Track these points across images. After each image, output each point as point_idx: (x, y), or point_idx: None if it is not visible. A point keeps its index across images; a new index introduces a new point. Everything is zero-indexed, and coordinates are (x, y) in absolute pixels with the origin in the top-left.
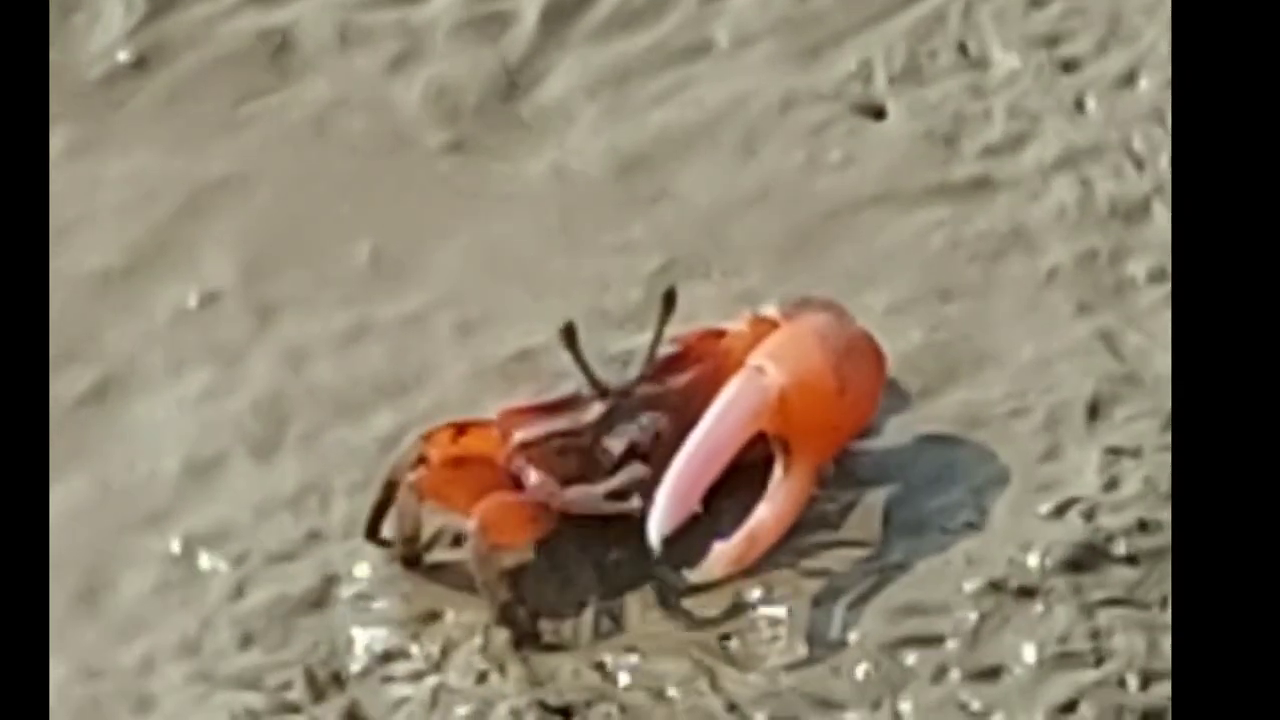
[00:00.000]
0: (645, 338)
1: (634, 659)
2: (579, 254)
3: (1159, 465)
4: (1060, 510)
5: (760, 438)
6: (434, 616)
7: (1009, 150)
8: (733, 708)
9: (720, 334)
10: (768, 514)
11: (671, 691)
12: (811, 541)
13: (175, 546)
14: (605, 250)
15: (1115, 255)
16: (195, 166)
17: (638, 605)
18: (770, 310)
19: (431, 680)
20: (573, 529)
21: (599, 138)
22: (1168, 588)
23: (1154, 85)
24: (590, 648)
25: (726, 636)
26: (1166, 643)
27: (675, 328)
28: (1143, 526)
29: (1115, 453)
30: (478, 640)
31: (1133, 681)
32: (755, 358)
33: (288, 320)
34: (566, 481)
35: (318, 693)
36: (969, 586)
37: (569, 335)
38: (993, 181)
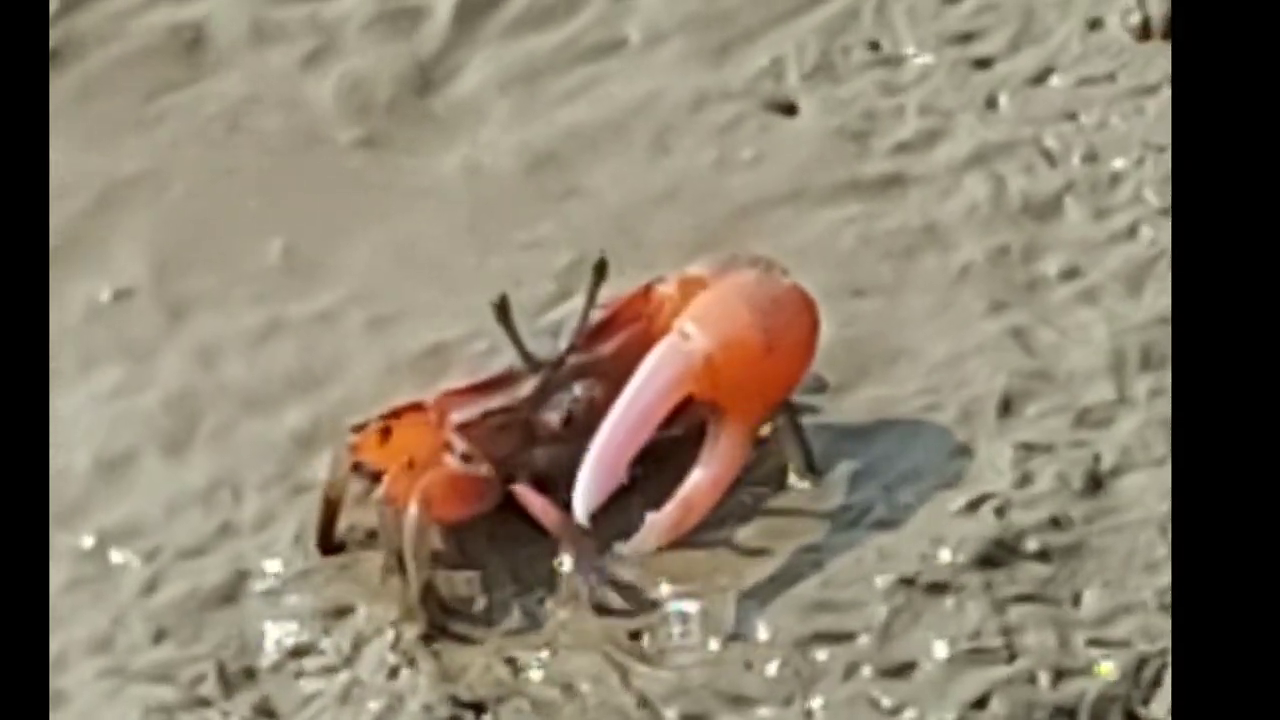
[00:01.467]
0: (573, 306)
1: (545, 654)
2: (490, 250)
3: (1071, 461)
4: (972, 506)
5: (690, 403)
6: (345, 611)
7: (921, 147)
8: (644, 703)
9: (647, 295)
10: (703, 479)
11: (583, 687)
12: (722, 536)
13: (87, 542)
14: (516, 246)
15: (1027, 252)
16: (107, 162)
17: (549, 600)
18: (698, 269)
19: (343, 675)
20: (484, 521)
21: (511, 134)
22: (1079, 584)
23: (1066, 83)
24: (502, 643)
25: (638, 633)
26: (1077, 639)
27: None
28: (1055, 523)
29: (1027, 449)
30: (389, 635)
31: (1044, 678)
32: (680, 322)
33: (199, 316)
34: (506, 458)
35: (229, 687)
36: (881, 582)
37: (502, 309)
38: (905, 178)
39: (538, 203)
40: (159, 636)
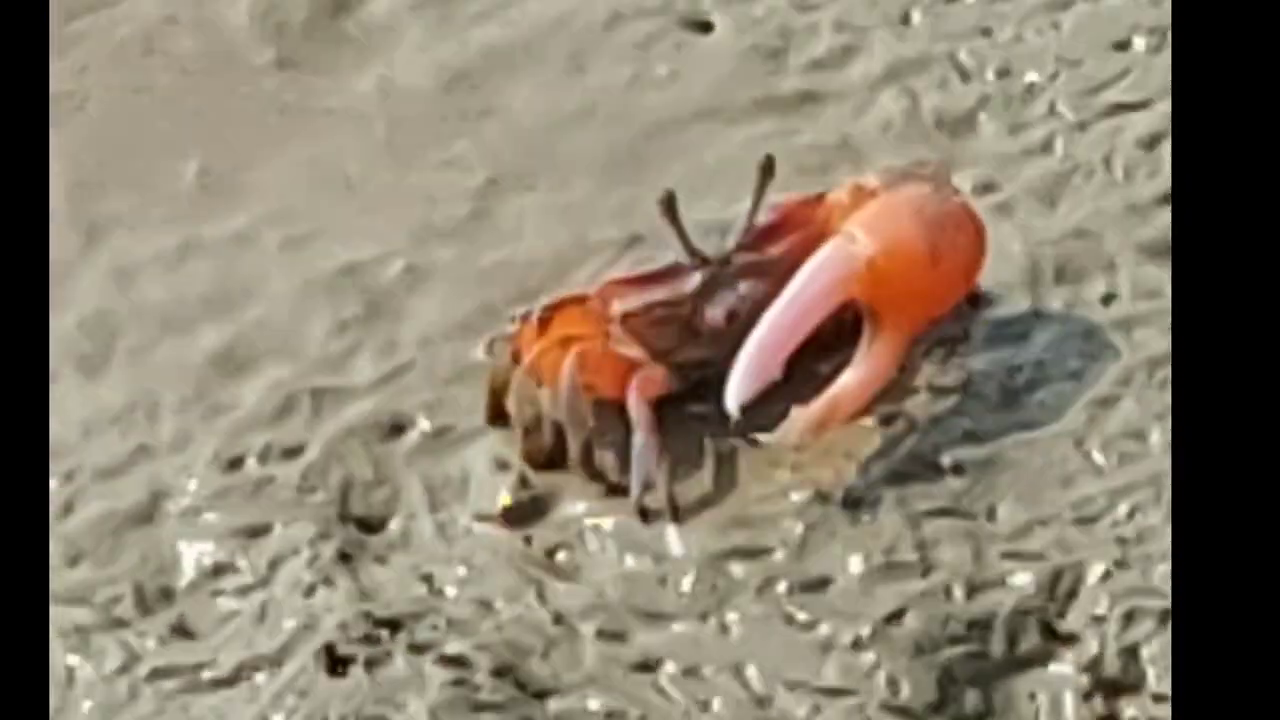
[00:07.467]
0: (741, 207)
1: (461, 571)
2: (405, 169)
3: (986, 375)
4: (886, 421)
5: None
6: (262, 530)
7: (835, 64)
8: (560, 620)
9: (819, 200)
10: (852, 380)
11: (499, 604)
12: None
13: None
14: (431, 166)
15: (940, 167)
16: None
17: (465, 517)
18: (871, 180)
19: (259, 594)
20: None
21: (425, 54)
22: (993, 498)
23: None
24: (418, 560)
25: (554, 549)
26: (991, 552)
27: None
28: (970, 436)
29: (943, 361)
30: (305, 554)
31: (958, 591)
32: (848, 225)
33: (115, 238)
34: (666, 351)
35: (146, 608)
36: (796, 498)
37: (668, 205)
38: (819, 95)
39: (452, 122)
40: (75, 558)
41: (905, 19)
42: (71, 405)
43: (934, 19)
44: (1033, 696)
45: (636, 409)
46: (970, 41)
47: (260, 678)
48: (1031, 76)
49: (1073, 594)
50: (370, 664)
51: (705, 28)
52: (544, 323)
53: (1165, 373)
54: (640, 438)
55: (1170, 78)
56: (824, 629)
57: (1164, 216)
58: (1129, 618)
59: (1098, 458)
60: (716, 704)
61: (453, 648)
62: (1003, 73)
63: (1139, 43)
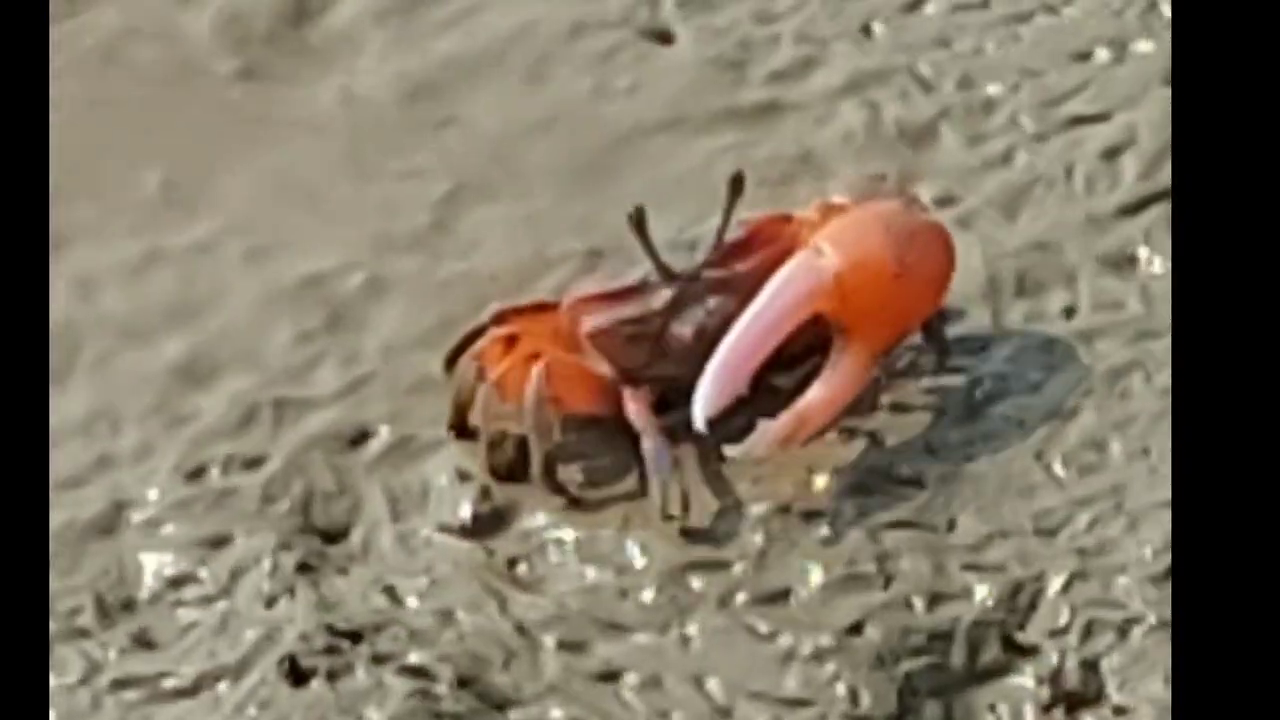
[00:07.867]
0: (712, 223)
1: (423, 582)
2: (367, 180)
3: (946, 387)
4: (846, 434)
5: (819, 320)
6: (223, 541)
7: (796, 75)
8: (521, 631)
9: (788, 218)
10: (819, 395)
11: (460, 615)
12: (597, 466)
13: None
14: (393, 176)
15: (903, 179)
16: None
17: (428, 527)
18: (840, 197)
19: (221, 605)
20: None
21: (387, 64)
22: (954, 510)
23: (939, 10)
24: (379, 571)
25: (515, 560)
26: (952, 564)
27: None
28: (929, 449)
29: (902, 374)
30: (267, 565)
31: (919, 603)
32: (815, 240)
33: (77, 248)
34: (635, 368)
35: (108, 618)
36: (756, 510)
37: (638, 220)
38: (780, 106)
39: (414, 132)
40: None
41: (866, 30)
42: None
43: (895, 31)
44: (993, 708)
45: (639, 417)
46: (931, 53)
47: (222, 688)
48: (992, 88)
49: (1033, 606)
50: (332, 675)
51: (666, 39)
52: (511, 340)
53: (1125, 384)
54: (649, 443)
55: (1145, 81)
56: (785, 640)
57: (1124, 228)
58: (1089, 630)
59: (1058, 470)
60: (677, 715)
61: (414, 659)
62: (963, 84)
63: (1100, 54)
